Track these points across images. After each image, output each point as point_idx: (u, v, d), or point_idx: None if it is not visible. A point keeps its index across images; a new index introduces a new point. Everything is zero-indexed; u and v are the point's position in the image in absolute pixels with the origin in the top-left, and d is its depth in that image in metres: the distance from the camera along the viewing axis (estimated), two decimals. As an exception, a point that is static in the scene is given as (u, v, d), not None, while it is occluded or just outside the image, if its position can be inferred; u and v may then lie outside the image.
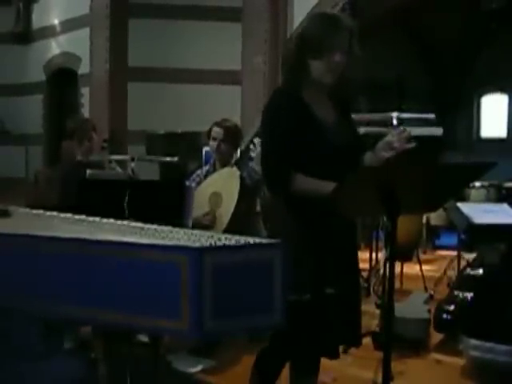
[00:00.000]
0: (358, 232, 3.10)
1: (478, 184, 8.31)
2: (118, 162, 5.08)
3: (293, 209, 2.61)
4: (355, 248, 2.84)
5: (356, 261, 2.80)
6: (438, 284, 6.23)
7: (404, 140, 2.55)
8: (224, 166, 4.41)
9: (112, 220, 2.56)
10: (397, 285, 5.81)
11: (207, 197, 4.24)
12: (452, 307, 4.51)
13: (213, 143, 4.44)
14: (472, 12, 11.42)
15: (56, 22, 11.51)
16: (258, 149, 3.96)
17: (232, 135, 4.42)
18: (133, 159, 5.01)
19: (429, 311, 4.75)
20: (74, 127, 4.60)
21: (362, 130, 4.68)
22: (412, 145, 2.54)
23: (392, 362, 2.26)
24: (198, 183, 4.40)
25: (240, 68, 9.12)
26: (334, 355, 2.78)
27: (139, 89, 9.79)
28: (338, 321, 2.62)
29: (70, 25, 11.08)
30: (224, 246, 1.93)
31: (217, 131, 4.42)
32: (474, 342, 3.95)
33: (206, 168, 4.57)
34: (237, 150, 4.44)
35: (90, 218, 2.61)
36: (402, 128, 2.67)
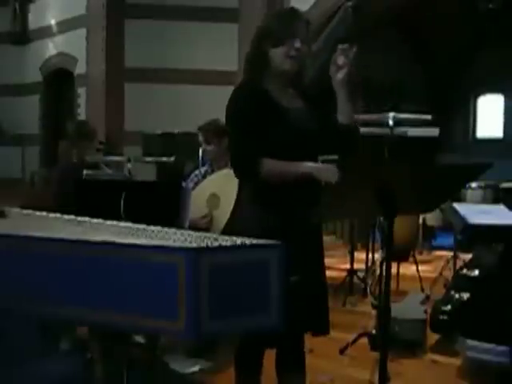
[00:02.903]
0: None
1: (474, 185, 8.32)
2: (115, 162, 5.08)
3: (259, 198, 2.65)
4: (319, 237, 2.83)
5: (320, 250, 2.81)
6: (435, 284, 6.23)
7: (345, 54, 2.60)
8: (223, 165, 4.42)
9: (109, 221, 2.56)
10: (393, 285, 5.82)
11: (205, 198, 4.24)
12: (448, 308, 4.51)
13: (202, 148, 4.62)
14: (469, 13, 11.41)
15: (52, 22, 11.50)
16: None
17: (212, 134, 4.44)
18: (129, 160, 5.01)
19: (425, 312, 4.75)
20: (71, 131, 4.64)
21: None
22: (354, 49, 2.58)
23: (388, 363, 2.26)
24: (196, 183, 4.40)
25: (237, 69, 9.11)
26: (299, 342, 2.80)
27: (135, 89, 9.79)
28: (303, 308, 2.63)
29: (66, 25, 11.08)
30: (221, 247, 1.93)
31: (199, 137, 4.54)
32: (470, 342, 3.95)
33: (204, 168, 4.57)
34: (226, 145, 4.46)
35: (87, 219, 2.60)
36: (345, 44, 2.65)
